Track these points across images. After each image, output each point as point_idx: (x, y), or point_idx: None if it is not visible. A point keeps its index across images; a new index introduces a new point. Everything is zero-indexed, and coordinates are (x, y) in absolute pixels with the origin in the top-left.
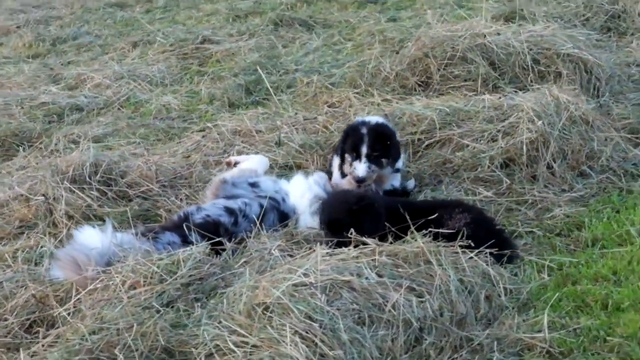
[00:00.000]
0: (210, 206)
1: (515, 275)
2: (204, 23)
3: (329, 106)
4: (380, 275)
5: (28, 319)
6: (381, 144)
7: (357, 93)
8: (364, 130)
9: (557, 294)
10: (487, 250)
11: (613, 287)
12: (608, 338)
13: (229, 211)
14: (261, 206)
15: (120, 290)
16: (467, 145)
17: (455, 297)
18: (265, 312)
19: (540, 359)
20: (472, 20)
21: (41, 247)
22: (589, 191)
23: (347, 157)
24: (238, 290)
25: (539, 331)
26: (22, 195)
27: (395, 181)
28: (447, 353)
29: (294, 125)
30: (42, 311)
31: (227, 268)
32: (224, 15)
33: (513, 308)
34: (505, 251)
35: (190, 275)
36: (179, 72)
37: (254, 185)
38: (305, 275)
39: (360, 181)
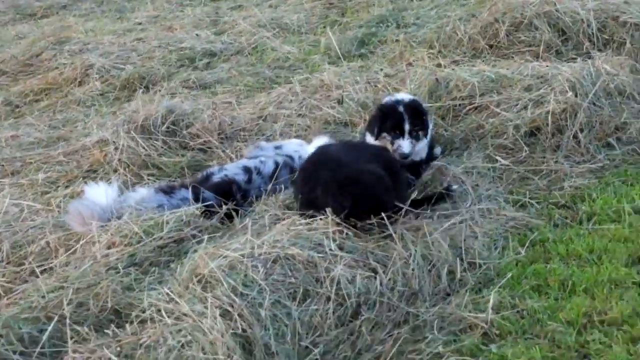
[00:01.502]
0: (231, 165)
1: (490, 249)
2: None
3: (408, 64)
4: (340, 248)
5: (40, 266)
6: (419, 119)
7: (431, 53)
8: (402, 109)
9: (518, 272)
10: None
11: (577, 268)
12: (548, 322)
13: (245, 169)
14: (276, 163)
15: (97, 249)
16: (499, 113)
17: (411, 272)
18: (199, 282)
19: (474, 340)
20: None
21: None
22: (609, 163)
23: (386, 135)
24: (191, 257)
25: (484, 311)
26: (103, 140)
27: (424, 152)
28: (385, 329)
29: (367, 83)
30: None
31: (209, 231)
32: None
33: (475, 284)
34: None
35: (170, 237)
36: (316, 22)
37: (277, 147)
38: (258, 246)
39: (406, 157)
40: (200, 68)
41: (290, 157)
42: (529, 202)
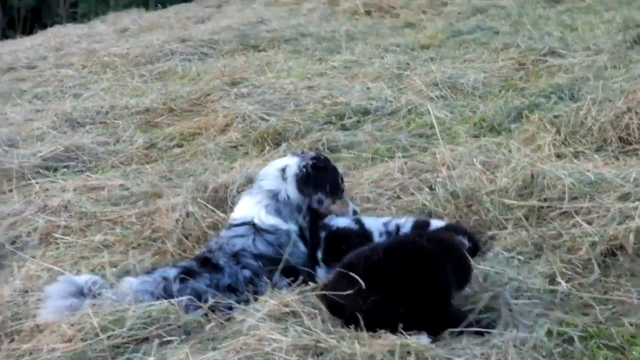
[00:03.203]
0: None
1: None
2: (595, 31)
3: (536, 148)
4: None
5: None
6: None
7: (556, 140)
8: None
9: None
10: None
11: None
12: None
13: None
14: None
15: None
16: (581, 225)
17: None
18: None
19: None
20: None
21: (113, 266)
22: None
23: None
24: None
25: None
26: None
27: None
28: None
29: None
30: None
31: (181, 331)
32: (616, 26)
33: None
34: None
35: (130, 336)
36: (495, 84)
37: None
38: None
39: None
40: (347, 127)
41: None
42: (578, 336)
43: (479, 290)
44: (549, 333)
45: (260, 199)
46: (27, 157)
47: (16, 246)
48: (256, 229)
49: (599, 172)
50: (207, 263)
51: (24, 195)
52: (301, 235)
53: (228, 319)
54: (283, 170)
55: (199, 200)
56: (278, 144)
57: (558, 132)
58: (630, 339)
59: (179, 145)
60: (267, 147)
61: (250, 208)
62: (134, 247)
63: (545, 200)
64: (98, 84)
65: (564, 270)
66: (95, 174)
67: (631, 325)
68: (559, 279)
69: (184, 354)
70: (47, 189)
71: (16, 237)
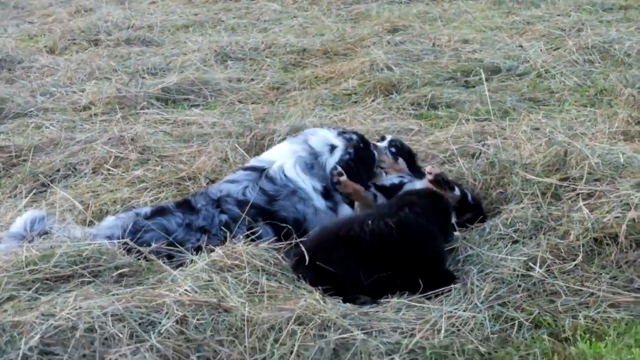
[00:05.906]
0: None
1: None
2: None
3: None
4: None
5: None
6: None
7: (631, 117)
8: None
9: None
10: None
11: None
12: None
13: None
14: None
15: None
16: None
17: None
18: None
19: None
20: None
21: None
22: None
23: None
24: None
25: None
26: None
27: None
28: None
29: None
30: None
31: (106, 273)
32: None
33: None
34: None
35: (53, 272)
36: None
37: None
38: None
39: None
40: (470, 84)
41: None
42: (526, 324)
43: (452, 267)
44: (496, 317)
45: (299, 150)
46: (148, 86)
47: (67, 173)
48: (260, 176)
49: (631, 155)
50: (184, 204)
51: (109, 123)
52: (325, 193)
53: (180, 265)
54: (332, 147)
55: (236, 145)
56: (388, 95)
57: (635, 108)
58: (583, 333)
59: (304, 89)
60: (372, 98)
61: (281, 153)
62: (165, 185)
63: (566, 179)
64: (291, 21)
65: (548, 255)
66: (200, 108)
67: (586, 318)
68: (534, 264)
69: (73, 296)
70: (145, 119)
71: (77, 163)
